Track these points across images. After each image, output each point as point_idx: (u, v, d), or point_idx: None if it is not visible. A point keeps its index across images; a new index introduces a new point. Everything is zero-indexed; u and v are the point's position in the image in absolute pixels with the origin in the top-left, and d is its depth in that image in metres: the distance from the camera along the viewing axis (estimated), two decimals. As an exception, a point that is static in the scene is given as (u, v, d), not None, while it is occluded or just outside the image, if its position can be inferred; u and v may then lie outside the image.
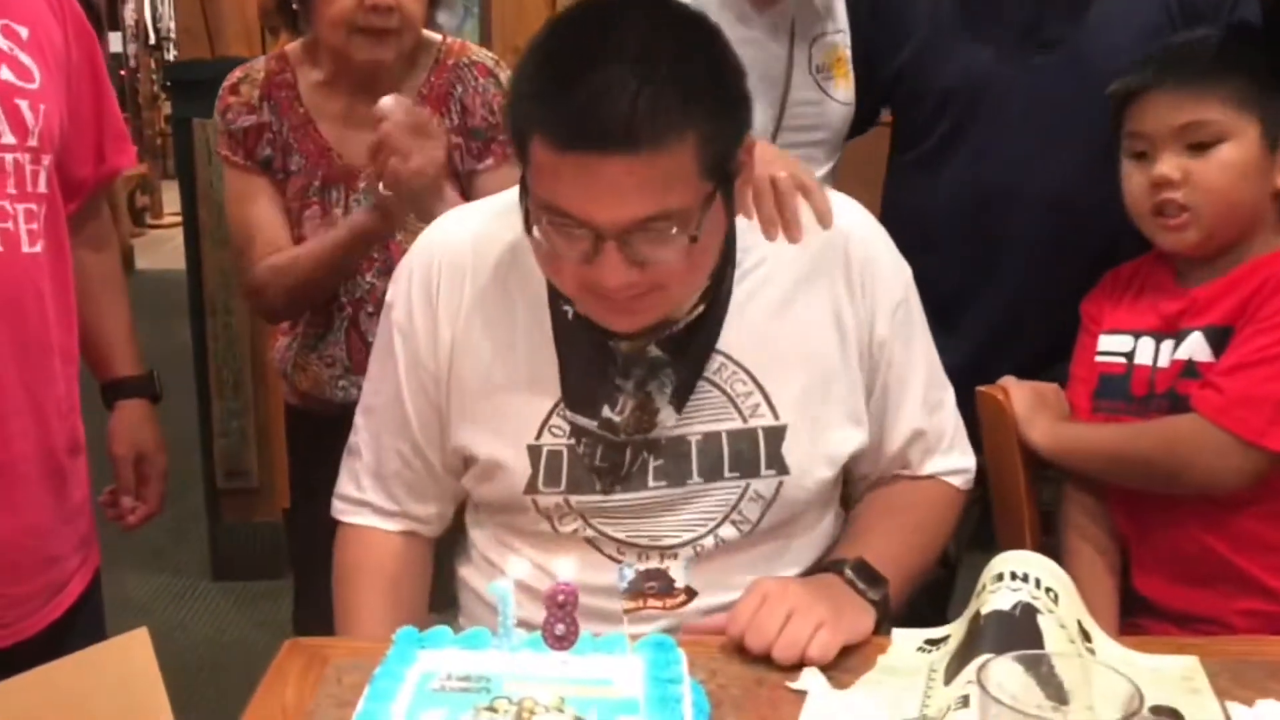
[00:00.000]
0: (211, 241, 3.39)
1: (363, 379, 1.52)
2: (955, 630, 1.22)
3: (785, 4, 1.93)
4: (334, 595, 1.47)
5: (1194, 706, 1.13)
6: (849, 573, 1.32)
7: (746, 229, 1.39)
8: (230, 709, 1.17)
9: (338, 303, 2.05)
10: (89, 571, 1.64)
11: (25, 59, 1.48)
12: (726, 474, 1.37)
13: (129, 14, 10.06)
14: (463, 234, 1.43)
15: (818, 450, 1.40)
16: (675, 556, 1.39)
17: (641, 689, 1.04)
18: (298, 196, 2.04)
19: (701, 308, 1.35)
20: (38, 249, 1.48)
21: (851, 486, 1.53)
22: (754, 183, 1.38)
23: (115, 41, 9.60)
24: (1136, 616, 1.62)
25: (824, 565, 1.38)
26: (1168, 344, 1.59)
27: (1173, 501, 1.57)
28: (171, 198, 7.37)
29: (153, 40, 10.02)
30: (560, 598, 1.03)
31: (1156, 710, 1.10)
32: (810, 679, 1.18)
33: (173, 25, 7.32)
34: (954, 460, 1.51)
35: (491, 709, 0.97)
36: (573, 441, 1.36)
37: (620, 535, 1.39)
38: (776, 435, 1.37)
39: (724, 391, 1.37)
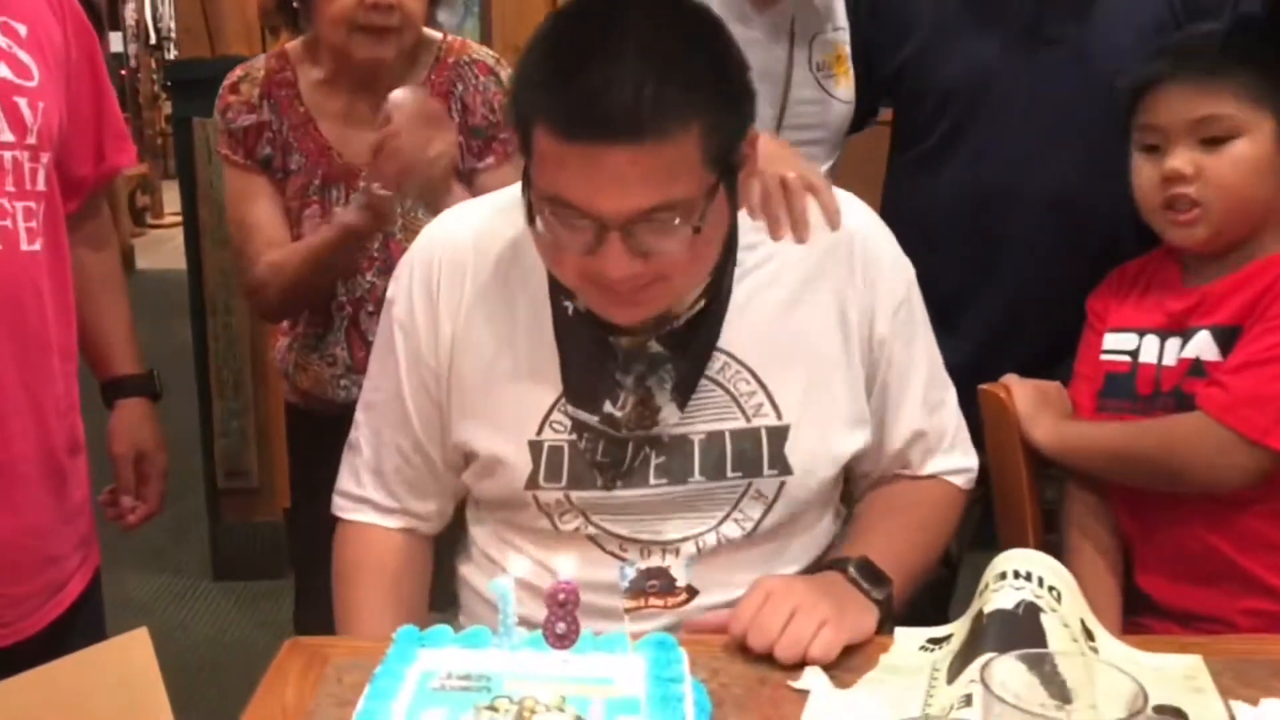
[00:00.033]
0: (212, 241, 3.39)
1: (363, 378, 1.51)
2: (958, 629, 1.22)
3: (785, 4, 1.93)
4: (334, 592, 1.47)
5: (1198, 705, 1.13)
6: (852, 571, 1.32)
7: (751, 228, 1.39)
8: (231, 709, 1.16)
9: (338, 302, 2.05)
10: (89, 571, 1.64)
11: (24, 56, 1.47)
12: (729, 473, 1.37)
13: (129, 14, 10.06)
14: (464, 231, 1.43)
15: (821, 450, 1.39)
16: (677, 553, 1.38)
17: (643, 688, 1.04)
18: (298, 195, 2.03)
19: (702, 303, 1.35)
20: (36, 247, 1.48)
21: (852, 485, 1.53)
22: (763, 182, 1.39)
23: (116, 41, 9.61)
24: (1139, 615, 1.61)
25: (827, 563, 1.38)
26: (1175, 342, 1.58)
27: (1177, 500, 1.57)
28: (172, 197, 7.37)
29: (153, 40, 10.03)
30: (561, 596, 1.03)
31: (1160, 709, 1.09)
32: (813, 678, 1.18)
33: (173, 25, 7.31)
34: (955, 460, 1.51)
35: (492, 708, 0.96)
36: (574, 437, 1.36)
37: (621, 532, 1.38)
38: (780, 435, 1.37)
39: (727, 391, 1.37)
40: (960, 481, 1.52)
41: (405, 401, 1.43)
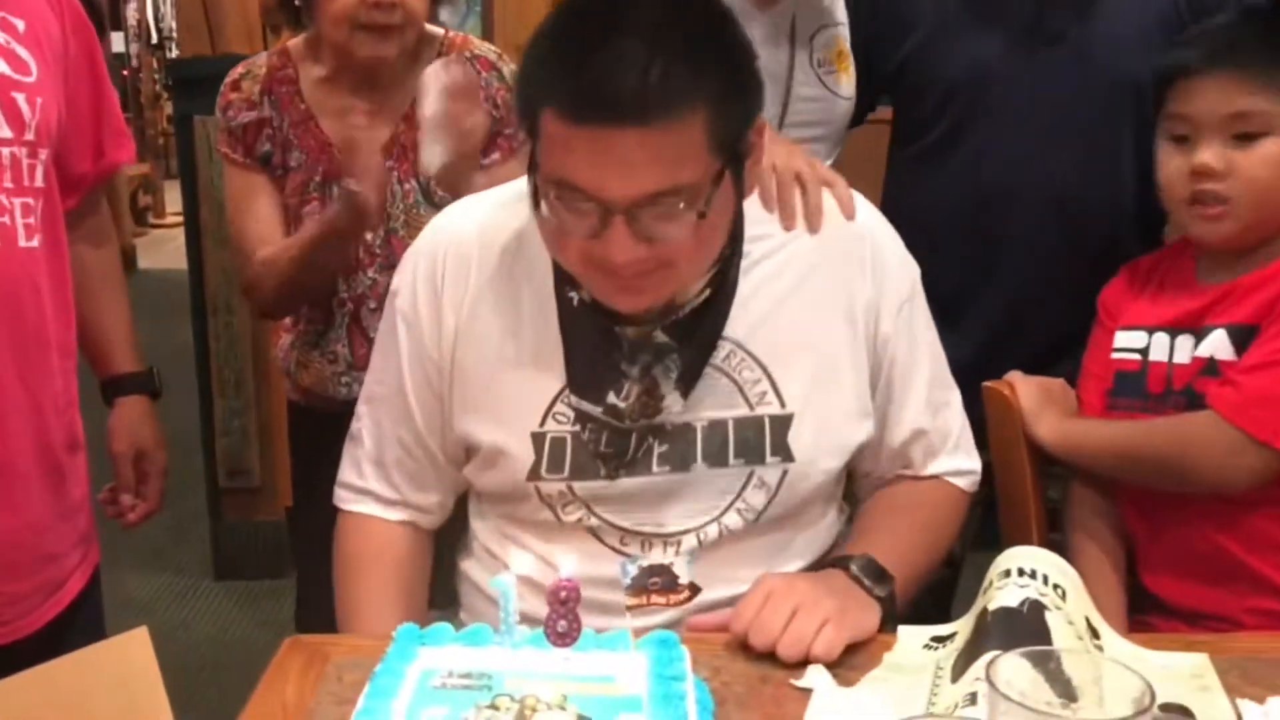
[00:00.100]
0: (213, 241, 3.39)
1: (365, 375, 1.51)
2: (962, 627, 1.21)
3: (785, 3, 1.93)
4: (335, 584, 1.46)
5: (1204, 704, 1.12)
6: (855, 569, 1.31)
7: (760, 219, 1.39)
8: (232, 708, 1.16)
9: (339, 299, 2.05)
10: (88, 569, 1.63)
11: (22, 52, 1.47)
12: (731, 460, 1.37)
13: (131, 14, 10.07)
14: (469, 224, 1.43)
15: (824, 440, 1.39)
16: (679, 546, 1.38)
17: (645, 686, 1.03)
18: (297, 192, 2.03)
19: (708, 293, 1.35)
20: (34, 243, 1.47)
21: (855, 483, 1.52)
22: (778, 174, 1.40)
23: (117, 41, 9.62)
24: (1145, 614, 1.60)
25: (830, 561, 1.37)
26: (1188, 340, 1.56)
27: (1184, 500, 1.56)
28: (174, 197, 7.39)
29: (155, 39, 10.04)
30: (562, 594, 1.03)
31: (1167, 708, 1.09)
32: (815, 676, 1.17)
33: (174, 24, 7.32)
34: (959, 461, 1.50)
35: (493, 707, 0.96)
36: (577, 428, 1.36)
37: (624, 523, 1.38)
38: (783, 424, 1.37)
39: (732, 379, 1.37)
40: (963, 484, 1.51)
41: (407, 394, 1.43)
